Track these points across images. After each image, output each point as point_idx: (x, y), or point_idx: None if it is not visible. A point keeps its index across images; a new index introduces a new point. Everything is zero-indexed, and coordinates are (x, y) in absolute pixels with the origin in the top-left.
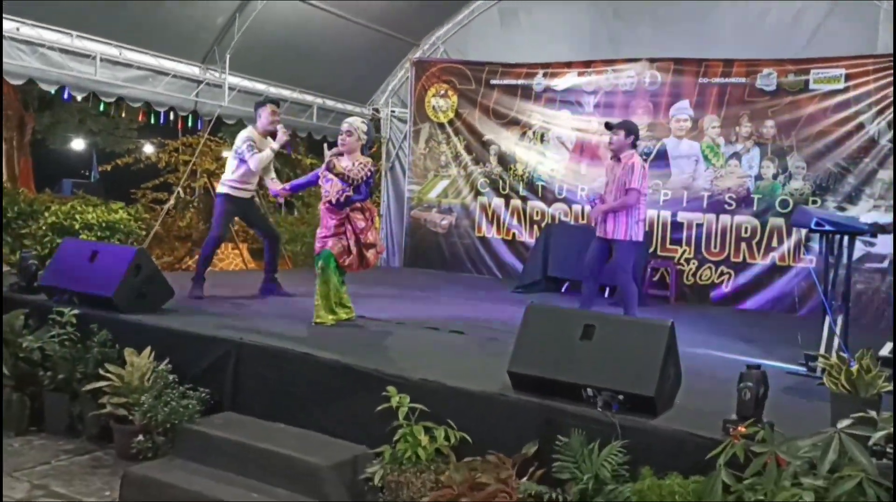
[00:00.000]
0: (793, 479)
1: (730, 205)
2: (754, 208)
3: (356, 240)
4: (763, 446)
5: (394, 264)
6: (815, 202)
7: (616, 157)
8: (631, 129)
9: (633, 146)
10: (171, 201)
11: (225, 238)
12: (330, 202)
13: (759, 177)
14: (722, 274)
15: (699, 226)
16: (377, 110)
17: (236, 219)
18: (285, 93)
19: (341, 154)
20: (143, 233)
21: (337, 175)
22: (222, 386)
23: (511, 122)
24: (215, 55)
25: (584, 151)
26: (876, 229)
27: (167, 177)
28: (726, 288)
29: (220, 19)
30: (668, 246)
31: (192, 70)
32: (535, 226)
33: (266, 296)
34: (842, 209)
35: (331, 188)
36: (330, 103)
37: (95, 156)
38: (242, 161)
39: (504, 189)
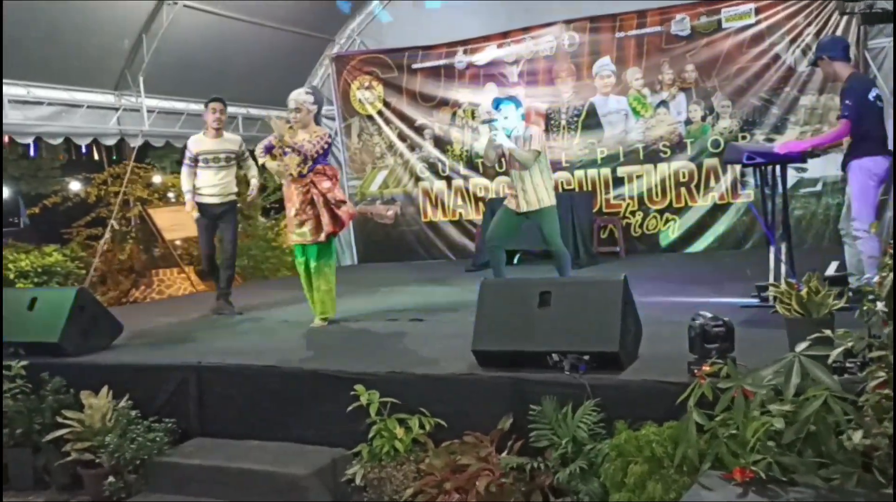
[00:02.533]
0: (761, 408)
1: (665, 153)
2: (688, 152)
3: (325, 202)
4: (728, 381)
5: (346, 262)
6: (744, 138)
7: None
8: (520, 103)
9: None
10: (107, 235)
11: (209, 251)
12: (291, 174)
13: (688, 122)
14: (667, 221)
15: (639, 177)
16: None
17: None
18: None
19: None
20: (83, 272)
21: (293, 150)
22: (188, 414)
23: (440, 104)
24: (128, 79)
25: None
26: (804, 155)
27: (100, 212)
28: (672, 234)
29: (126, 42)
30: (612, 202)
31: (107, 98)
32: (481, 203)
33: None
34: (770, 140)
35: (290, 161)
36: (254, 111)
37: (21, 201)
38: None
39: (444, 171)
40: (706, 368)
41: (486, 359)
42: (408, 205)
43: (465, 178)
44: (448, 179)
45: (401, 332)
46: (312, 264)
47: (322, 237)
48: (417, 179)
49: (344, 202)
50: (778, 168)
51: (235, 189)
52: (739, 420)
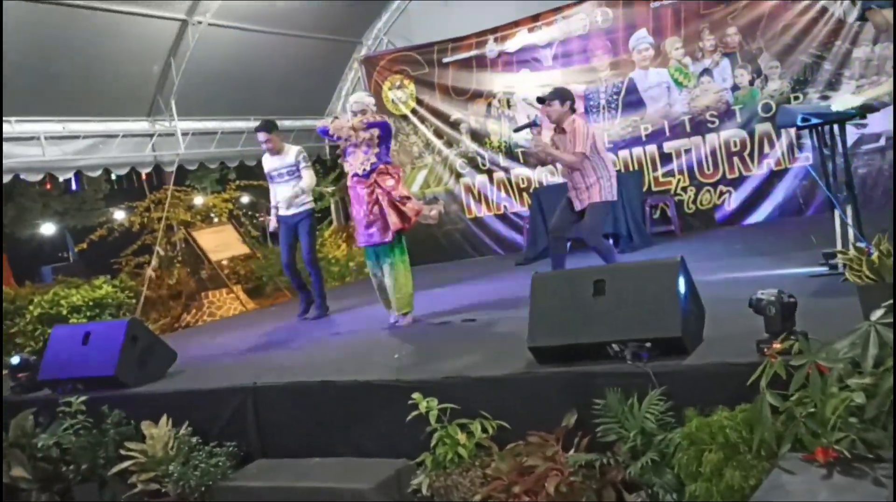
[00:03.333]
0: (839, 383)
1: (713, 122)
2: (738, 120)
3: (389, 201)
4: (801, 358)
5: None
6: (796, 98)
7: (560, 129)
8: (564, 96)
9: (573, 110)
10: (154, 262)
11: (286, 260)
12: (356, 174)
13: (735, 88)
14: (721, 194)
15: (687, 152)
16: (336, 118)
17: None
18: (240, 124)
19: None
20: (134, 301)
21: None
22: (248, 436)
23: (474, 96)
24: (160, 105)
25: None
26: (863, 110)
27: (145, 239)
28: (729, 206)
29: (155, 68)
30: (662, 179)
31: (142, 125)
32: (525, 194)
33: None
34: (825, 98)
35: (354, 160)
36: (287, 123)
37: (69, 237)
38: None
39: (484, 165)
40: (777, 346)
41: (544, 356)
42: (451, 202)
43: (507, 170)
44: (489, 173)
45: (454, 335)
46: (387, 262)
47: (389, 236)
48: (458, 176)
49: (409, 198)
50: (836, 127)
51: (309, 199)
52: (817, 397)
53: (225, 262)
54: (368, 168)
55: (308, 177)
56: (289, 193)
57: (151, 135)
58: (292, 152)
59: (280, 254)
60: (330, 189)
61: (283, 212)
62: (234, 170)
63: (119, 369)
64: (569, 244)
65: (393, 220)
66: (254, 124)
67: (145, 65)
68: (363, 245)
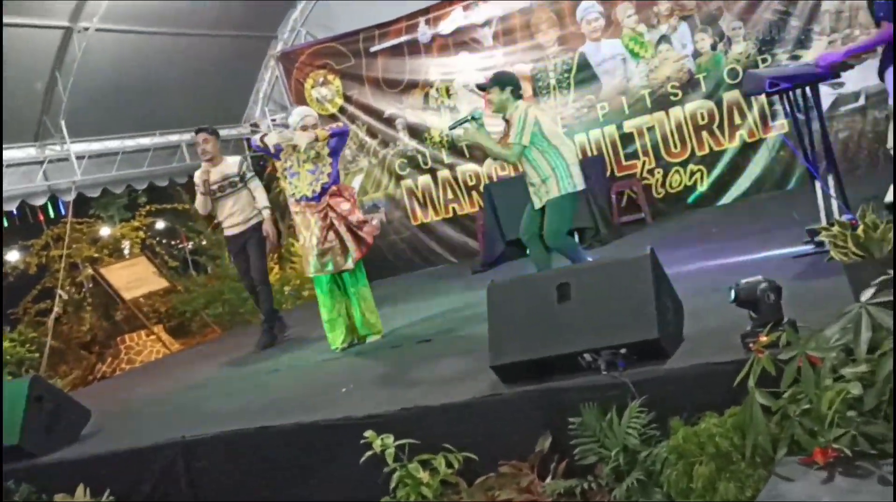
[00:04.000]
0: (833, 374)
1: (675, 95)
2: (703, 90)
3: (346, 226)
4: (790, 350)
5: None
6: (764, 61)
7: (506, 120)
8: (504, 81)
9: (517, 96)
10: (58, 308)
11: (246, 280)
12: (305, 198)
13: (696, 54)
14: (692, 173)
15: (650, 129)
16: (256, 125)
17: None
18: (144, 141)
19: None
20: (37, 355)
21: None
22: (181, 498)
23: (409, 87)
24: (48, 126)
25: None
26: (836, 68)
27: (45, 282)
28: (702, 186)
29: (38, 85)
30: (625, 163)
31: (29, 152)
32: (475, 193)
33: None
34: (796, 58)
35: (299, 181)
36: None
37: None
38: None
39: (426, 163)
40: (763, 339)
41: (509, 374)
42: (393, 209)
43: (452, 167)
44: (432, 172)
45: (408, 359)
46: (350, 290)
47: (350, 264)
48: (398, 178)
49: (366, 222)
50: (808, 89)
51: (254, 211)
52: (811, 392)
53: (141, 300)
54: (319, 189)
55: (261, 192)
56: (231, 209)
57: (41, 162)
58: (233, 163)
59: (243, 280)
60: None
61: (229, 231)
62: (144, 194)
63: (23, 437)
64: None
65: (352, 248)
66: (161, 139)
67: (26, 82)
68: (316, 275)
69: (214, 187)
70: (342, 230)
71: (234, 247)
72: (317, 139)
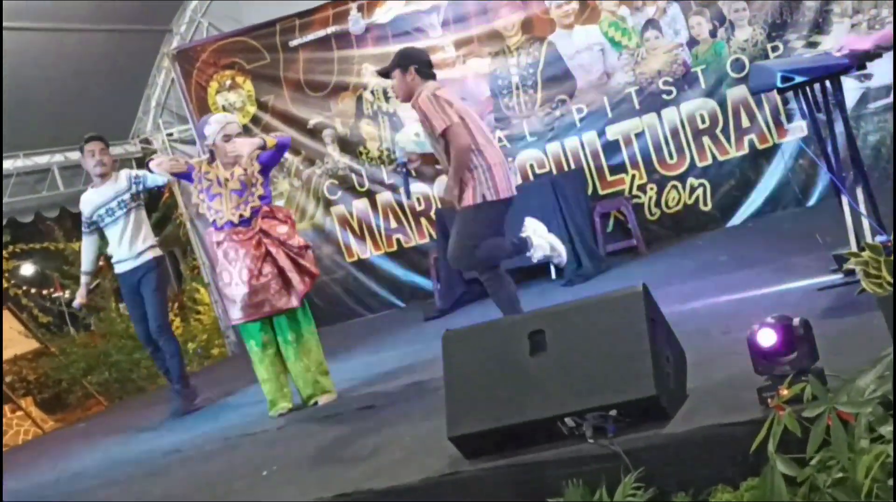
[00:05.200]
0: (869, 434)
1: (669, 93)
2: (702, 86)
3: (285, 254)
4: (817, 405)
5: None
6: (775, 49)
7: (417, 109)
8: (404, 61)
9: (426, 76)
10: None
11: (140, 331)
12: (230, 223)
13: (692, 43)
14: (692, 189)
15: (639, 136)
16: (147, 142)
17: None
18: (5, 164)
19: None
20: None
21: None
22: None
23: (338, 90)
24: None
25: (451, 91)
26: (861, 57)
27: None
28: (704, 205)
29: None
30: (610, 178)
31: None
32: (424, 220)
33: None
34: (813, 45)
35: (222, 205)
36: (74, 156)
37: None
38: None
39: (362, 185)
40: (784, 392)
41: (472, 447)
42: (321, 243)
43: (395, 189)
44: (370, 195)
45: (346, 431)
46: (289, 338)
47: (295, 301)
48: (328, 204)
49: (308, 247)
50: (829, 83)
51: (152, 240)
52: (843, 457)
53: (5, 366)
54: (248, 213)
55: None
56: (122, 238)
57: None
58: (122, 176)
59: (137, 330)
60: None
61: (120, 267)
62: (7, 231)
63: None
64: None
65: (296, 280)
66: (24, 163)
67: None
68: (248, 320)
69: (102, 212)
70: (281, 259)
71: (126, 289)
72: (263, 147)
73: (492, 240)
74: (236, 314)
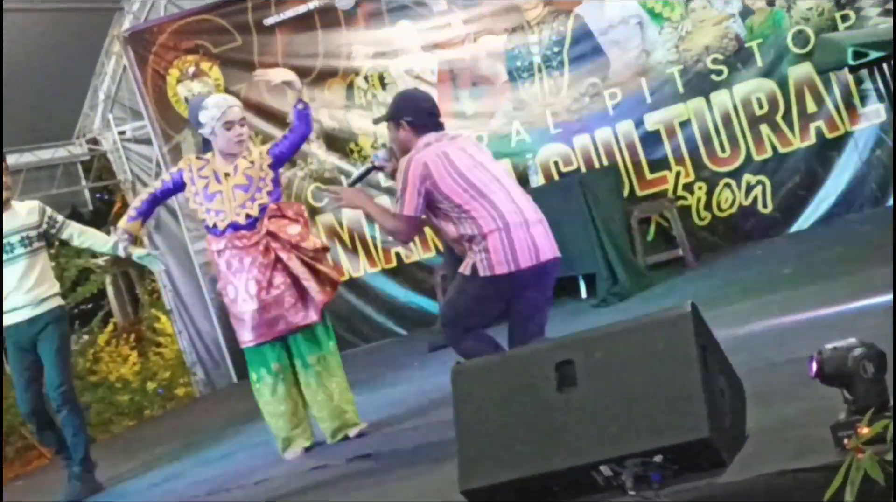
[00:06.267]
0: None
1: (719, 73)
2: (758, 64)
3: (300, 259)
4: None
5: (218, 385)
6: (845, 19)
7: None
8: (395, 112)
9: (423, 129)
10: None
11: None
12: (234, 226)
13: (746, 13)
14: (750, 188)
15: (684, 125)
16: (95, 142)
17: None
18: None
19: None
20: None
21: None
22: None
23: (324, 76)
24: None
25: (459, 76)
26: None
27: None
28: (765, 207)
29: None
30: (650, 176)
31: None
32: (427, 229)
33: None
34: (890, 14)
35: (223, 203)
36: (9, 160)
37: None
38: None
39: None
40: (862, 431)
41: (487, 501)
42: None
43: (392, 193)
44: None
45: (339, 484)
46: (309, 360)
47: (314, 315)
48: (313, 212)
49: (326, 250)
50: None
51: (55, 288)
52: None
53: None
54: (257, 212)
55: (94, 231)
56: (20, 281)
57: None
58: (30, 209)
59: (17, 396)
60: (101, 261)
61: (11, 317)
62: None
63: None
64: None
65: (314, 290)
66: None
67: None
68: (260, 342)
69: None
70: (295, 266)
71: (15, 346)
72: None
73: (477, 340)
74: (246, 336)
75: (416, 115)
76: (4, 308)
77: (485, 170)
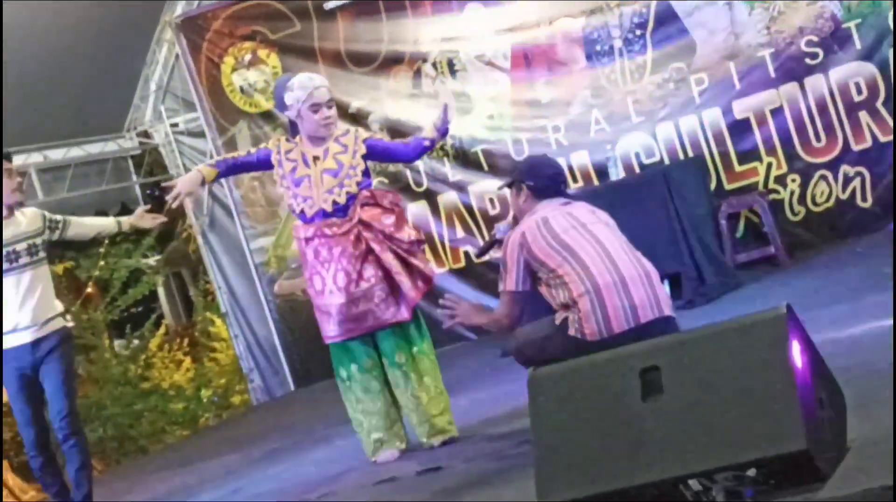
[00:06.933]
0: None
1: (814, 56)
2: (857, 47)
3: (393, 252)
4: None
5: (275, 393)
6: None
7: None
8: (521, 176)
9: (543, 195)
10: None
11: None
12: (322, 213)
13: None
14: (847, 179)
15: (776, 112)
16: (147, 135)
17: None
18: None
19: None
20: None
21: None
22: None
23: (389, 63)
24: None
25: (534, 60)
26: None
27: None
28: (864, 200)
29: None
30: (739, 168)
31: None
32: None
33: None
34: None
35: (312, 190)
36: (56, 155)
37: None
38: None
39: (419, 183)
40: None
41: None
42: None
43: (461, 188)
44: (429, 196)
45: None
46: (397, 359)
47: (405, 313)
48: None
49: (421, 243)
50: None
51: (60, 307)
52: None
53: None
54: (343, 200)
55: (92, 219)
56: (22, 297)
57: None
58: (29, 215)
59: (19, 428)
60: (152, 261)
61: (14, 339)
62: None
63: None
64: None
65: (407, 285)
66: None
67: None
68: (346, 337)
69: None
70: (387, 259)
71: (15, 373)
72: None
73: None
74: (332, 330)
75: (537, 179)
76: (5, 328)
77: (583, 230)
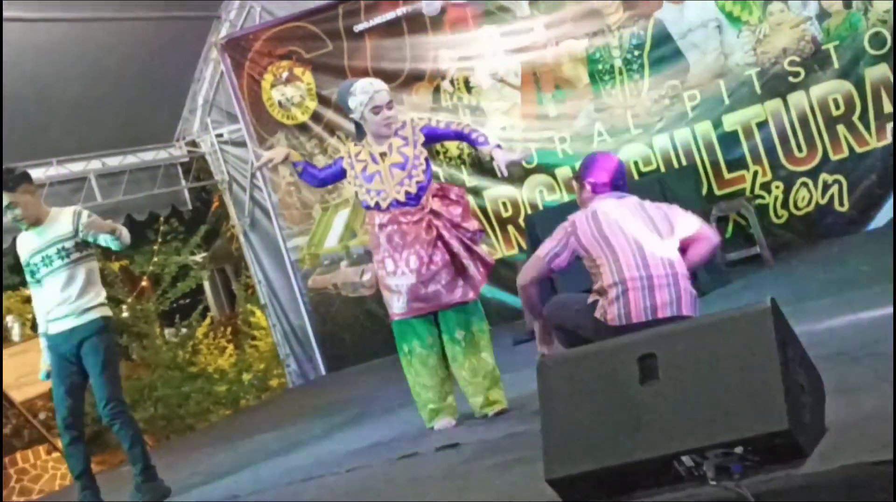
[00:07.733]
0: None
1: (796, 75)
2: (835, 66)
3: (460, 240)
4: None
5: (309, 376)
6: None
7: None
8: (583, 172)
9: (600, 189)
10: None
11: (67, 415)
12: (396, 203)
13: (823, 15)
14: (827, 187)
15: (761, 126)
16: (195, 144)
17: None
18: (37, 172)
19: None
20: None
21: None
22: None
23: (411, 80)
24: None
25: (543, 79)
26: None
27: None
28: (841, 205)
29: None
30: (728, 175)
31: None
32: (512, 228)
33: None
34: None
35: (384, 183)
36: (113, 162)
37: None
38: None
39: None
40: None
41: (572, 490)
42: None
43: (477, 192)
44: None
45: (424, 473)
46: (456, 335)
47: (472, 293)
48: None
49: (481, 232)
50: None
51: (100, 298)
52: None
53: (39, 403)
54: (415, 190)
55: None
56: (61, 293)
57: None
58: (63, 217)
59: (55, 404)
60: (199, 258)
61: (54, 327)
62: None
63: None
64: None
65: (473, 271)
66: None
67: None
68: (416, 314)
69: (36, 264)
70: (455, 245)
71: (57, 356)
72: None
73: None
74: (400, 307)
75: (597, 176)
76: (48, 317)
77: (623, 227)
